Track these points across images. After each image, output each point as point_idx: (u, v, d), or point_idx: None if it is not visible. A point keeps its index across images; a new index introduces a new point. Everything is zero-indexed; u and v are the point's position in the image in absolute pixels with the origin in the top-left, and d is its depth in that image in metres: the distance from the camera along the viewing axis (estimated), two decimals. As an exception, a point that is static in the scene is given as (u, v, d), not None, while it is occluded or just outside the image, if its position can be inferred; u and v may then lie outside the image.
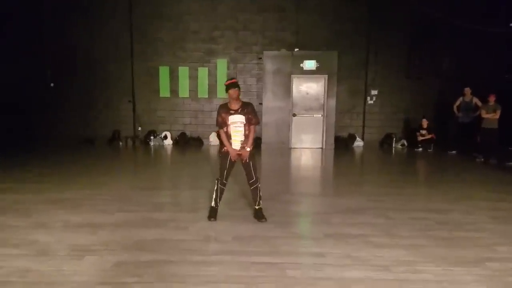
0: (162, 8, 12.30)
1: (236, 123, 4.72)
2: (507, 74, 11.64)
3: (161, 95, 12.66)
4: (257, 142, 12.08)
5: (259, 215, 4.94)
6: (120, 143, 12.39)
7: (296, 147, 11.88)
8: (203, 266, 3.60)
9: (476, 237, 4.43)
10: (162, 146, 12.17)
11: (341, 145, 12.12)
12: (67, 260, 3.73)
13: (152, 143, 12.38)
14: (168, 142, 12.48)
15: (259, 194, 4.97)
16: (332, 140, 11.82)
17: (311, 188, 7.20)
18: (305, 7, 12.15)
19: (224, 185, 4.94)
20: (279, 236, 4.39)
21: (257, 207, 4.97)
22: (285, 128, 11.82)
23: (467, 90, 10.56)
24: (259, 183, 4.96)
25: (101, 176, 7.58)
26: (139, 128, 12.80)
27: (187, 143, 12.47)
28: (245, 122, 4.75)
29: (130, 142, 12.43)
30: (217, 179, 4.94)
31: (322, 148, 11.80)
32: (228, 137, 4.78)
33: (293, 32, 12.28)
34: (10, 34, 12.15)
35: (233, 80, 4.78)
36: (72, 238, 4.27)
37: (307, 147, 11.85)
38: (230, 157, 4.79)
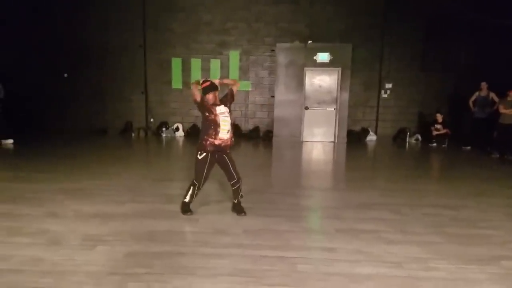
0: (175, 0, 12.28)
1: (224, 113, 4.51)
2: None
3: (174, 86, 12.67)
4: (268, 136, 12.05)
5: (238, 209, 4.87)
6: (133, 134, 12.45)
7: (308, 140, 11.80)
8: (213, 259, 3.60)
9: (490, 235, 4.35)
10: (173, 138, 12.19)
11: (353, 139, 12.01)
12: (78, 249, 3.76)
13: (164, 135, 12.41)
14: (180, 134, 12.51)
15: (240, 193, 4.85)
16: (344, 134, 11.71)
17: (322, 182, 7.15)
18: (319, -2, 12.01)
19: (200, 190, 4.77)
20: (290, 230, 4.36)
21: (236, 201, 4.90)
22: (297, 122, 11.74)
23: (484, 85, 10.35)
24: (241, 182, 4.79)
25: (114, 167, 7.63)
26: (151, 120, 12.85)
27: (199, 135, 12.45)
28: (230, 112, 4.62)
29: (142, 134, 12.49)
30: (193, 184, 4.70)
31: (334, 142, 11.71)
32: (217, 125, 4.47)
33: (307, 24, 12.15)
34: (23, 25, 12.24)
35: (207, 83, 4.50)
36: (84, 228, 4.30)
37: (319, 141, 11.76)
38: (209, 162, 4.58)
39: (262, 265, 3.50)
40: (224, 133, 4.50)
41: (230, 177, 4.73)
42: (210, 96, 4.48)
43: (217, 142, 4.50)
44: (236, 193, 4.85)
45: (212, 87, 4.51)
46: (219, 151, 4.59)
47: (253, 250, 3.81)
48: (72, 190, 5.82)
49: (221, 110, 4.52)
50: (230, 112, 4.67)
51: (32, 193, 5.62)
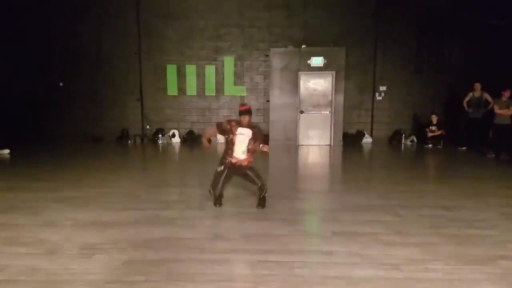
0: (168, 6, 12.31)
1: (244, 135, 4.87)
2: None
3: (169, 93, 12.69)
4: (264, 140, 12.04)
5: (262, 203, 5.23)
6: (129, 141, 12.44)
7: (304, 144, 11.83)
8: (211, 265, 3.59)
9: (487, 235, 4.36)
10: (170, 144, 12.19)
11: (349, 142, 12.05)
12: (76, 258, 3.73)
13: (160, 141, 12.41)
14: (176, 140, 12.51)
15: (265, 191, 5.21)
16: (340, 137, 11.75)
17: (319, 185, 7.16)
18: (312, 3, 12.08)
19: (215, 194, 5.17)
20: (287, 234, 4.36)
21: (261, 196, 5.22)
22: (292, 125, 11.77)
23: (477, 86, 10.43)
24: (265, 187, 5.17)
25: (110, 174, 7.61)
26: (147, 127, 12.84)
27: (195, 141, 12.48)
28: (251, 137, 4.90)
29: (138, 140, 12.48)
30: (209, 190, 5.19)
31: (330, 145, 11.74)
32: (233, 145, 4.88)
33: (300, 29, 12.21)
34: (18, 33, 12.22)
35: (246, 107, 4.90)
36: (81, 237, 4.27)
37: (315, 144, 11.79)
38: (225, 175, 4.98)
39: (260, 270, 3.50)
40: (239, 153, 4.84)
41: (253, 183, 5.10)
42: (246, 119, 4.87)
43: (233, 160, 4.88)
44: (261, 190, 5.15)
45: (247, 111, 4.90)
46: (237, 167, 4.94)
47: (251, 255, 3.80)
48: (69, 198, 5.80)
49: (242, 132, 4.85)
50: (255, 139, 4.93)
51: (28, 202, 5.60)
